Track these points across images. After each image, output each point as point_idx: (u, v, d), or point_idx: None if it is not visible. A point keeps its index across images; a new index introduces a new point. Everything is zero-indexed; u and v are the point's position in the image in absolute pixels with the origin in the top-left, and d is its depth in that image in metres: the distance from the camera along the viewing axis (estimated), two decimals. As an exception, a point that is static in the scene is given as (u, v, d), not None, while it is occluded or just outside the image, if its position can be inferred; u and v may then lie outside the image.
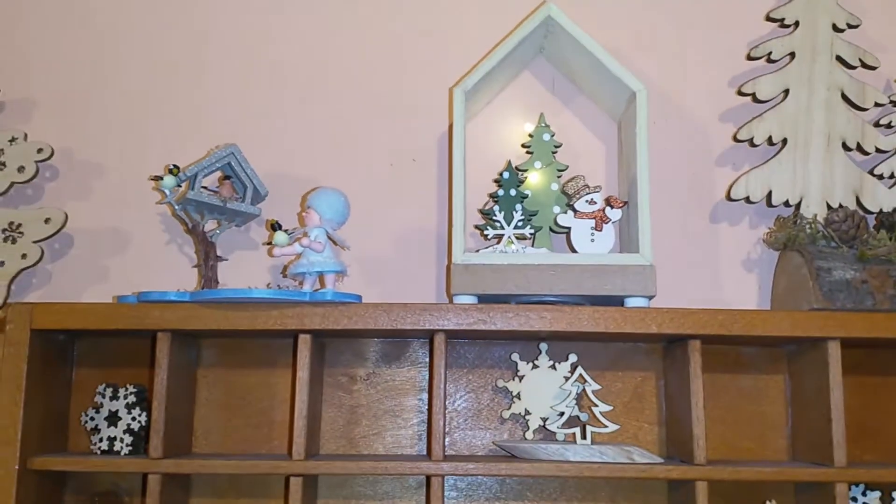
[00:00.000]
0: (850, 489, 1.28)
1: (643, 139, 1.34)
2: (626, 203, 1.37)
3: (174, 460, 1.27)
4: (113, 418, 1.34)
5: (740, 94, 1.50)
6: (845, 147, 1.45)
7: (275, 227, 1.27)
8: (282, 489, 1.39)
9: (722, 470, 1.25)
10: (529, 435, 1.39)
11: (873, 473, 1.26)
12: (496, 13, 1.55)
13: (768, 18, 1.52)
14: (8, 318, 1.28)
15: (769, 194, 1.45)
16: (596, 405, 1.35)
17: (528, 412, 1.39)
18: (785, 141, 1.46)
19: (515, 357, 1.41)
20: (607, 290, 1.29)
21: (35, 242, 1.44)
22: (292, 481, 1.25)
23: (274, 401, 1.43)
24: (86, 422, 1.36)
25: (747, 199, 1.45)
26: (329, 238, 1.30)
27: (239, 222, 1.47)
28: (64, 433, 1.40)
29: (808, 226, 1.38)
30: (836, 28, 1.47)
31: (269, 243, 1.42)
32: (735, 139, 1.48)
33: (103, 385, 1.36)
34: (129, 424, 1.33)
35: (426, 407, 1.43)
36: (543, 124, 1.45)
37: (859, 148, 1.45)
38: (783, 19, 1.49)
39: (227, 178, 1.42)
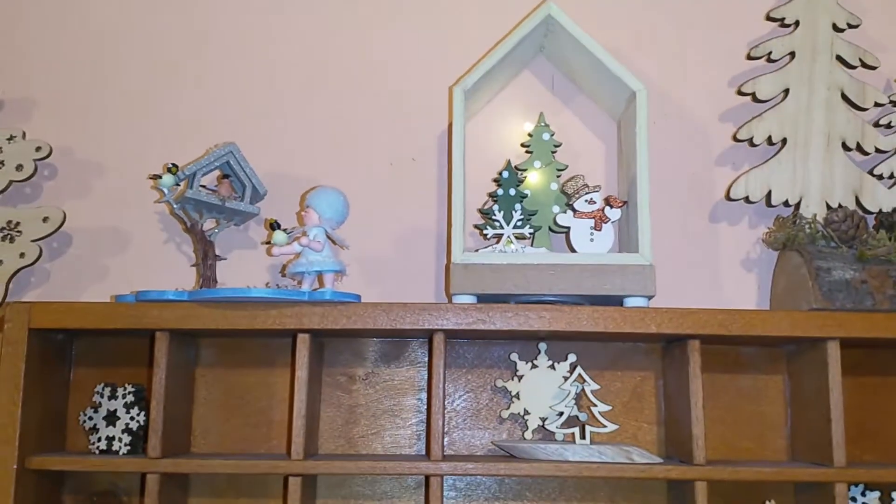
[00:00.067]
0: (849, 489, 1.28)
1: (643, 139, 1.33)
2: (625, 203, 1.36)
3: (172, 460, 1.27)
4: (111, 418, 1.34)
5: (740, 93, 1.50)
6: (845, 147, 1.45)
7: (274, 226, 1.27)
8: (280, 489, 1.39)
9: (721, 470, 1.25)
10: (528, 435, 1.38)
11: (872, 473, 1.26)
12: (496, 12, 1.55)
13: (768, 18, 1.52)
14: (6, 317, 1.28)
15: (769, 194, 1.45)
16: (595, 405, 1.35)
17: (527, 412, 1.39)
18: (784, 141, 1.46)
19: (514, 357, 1.41)
20: (606, 289, 1.29)
21: (33, 241, 1.44)
22: (291, 481, 1.25)
23: (272, 400, 1.43)
24: (84, 421, 1.36)
25: (747, 199, 1.45)
26: (328, 237, 1.29)
27: (238, 221, 1.47)
28: (62, 433, 1.40)
29: (807, 226, 1.38)
30: (836, 28, 1.47)
31: (268, 242, 1.42)
32: (735, 139, 1.48)
33: (102, 384, 1.36)
34: (127, 424, 1.33)
35: (425, 407, 1.43)
36: (543, 124, 1.45)
37: (859, 148, 1.45)
38: (783, 19, 1.49)
39: (225, 176, 1.42)
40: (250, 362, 1.44)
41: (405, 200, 1.52)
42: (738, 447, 1.41)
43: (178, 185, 1.34)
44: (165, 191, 1.32)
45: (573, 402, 1.36)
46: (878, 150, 1.45)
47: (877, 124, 1.46)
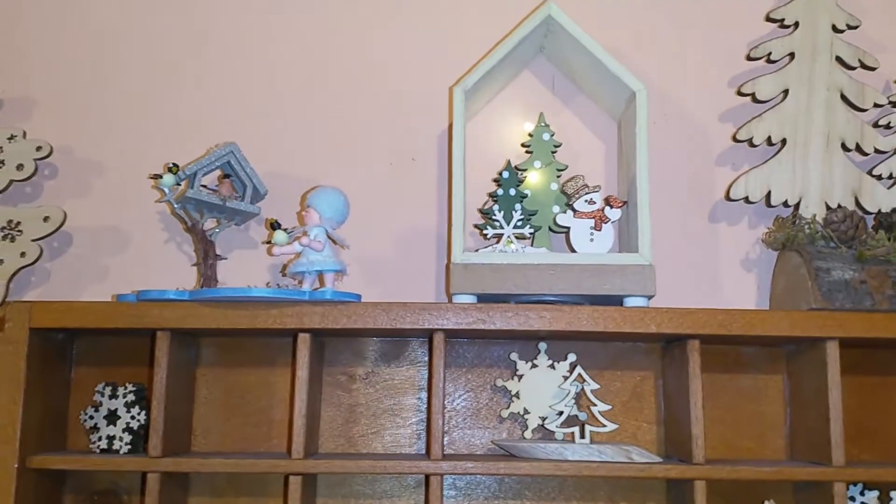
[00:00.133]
0: (848, 488, 1.29)
1: (643, 139, 1.34)
2: (625, 203, 1.37)
3: (173, 459, 1.27)
4: (112, 417, 1.34)
5: (740, 94, 1.50)
6: (844, 147, 1.45)
7: (274, 225, 1.27)
8: (281, 488, 1.39)
9: (720, 469, 1.25)
10: (528, 434, 1.39)
11: (871, 473, 1.26)
12: (496, 12, 1.55)
13: (768, 19, 1.52)
14: (7, 316, 1.28)
15: (768, 194, 1.45)
16: (595, 404, 1.35)
17: (526, 411, 1.39)
18: (784, 141, 1.46)
19: (514, 356, 1.41)
20: (606, 289, 1.29)
21: (34, 241, 1.44)
22: (291, 480, 1.26)
23: (273, 399, 1.43)
24: (85, 420, 1.36)
25: (746, 199, 1.46)
26: (328, 237, 1.30)
27: (238, 221, 1.47)
28: (63, 432, 1.40)
29: (806, 226, 1.38)
30: (835, 29, 1.47)
31: (269, 242, 1.42)
32: (734, 139, 1.48)
33: (102, 384, 1.36)
34: (128, 423, 1.33)
35: (425, 406, 1.43)
36: (543, 124, 1.45)
37: (858, 148, 1.45)
38: (783, 20, 1.49)
39: (226, 176, 1.42)
40: (251, 362, 1.44)
41: (405, 200, 1.52)
42: (738, 447, 1.42)
43: (179, 185, 1.34)
44: (166, 190, 1.32)
45: (573, 401, 1.36)
46: (877, 151, 1.45)
47: (876, 125, 1.46)
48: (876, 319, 1.27)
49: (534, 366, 1.40)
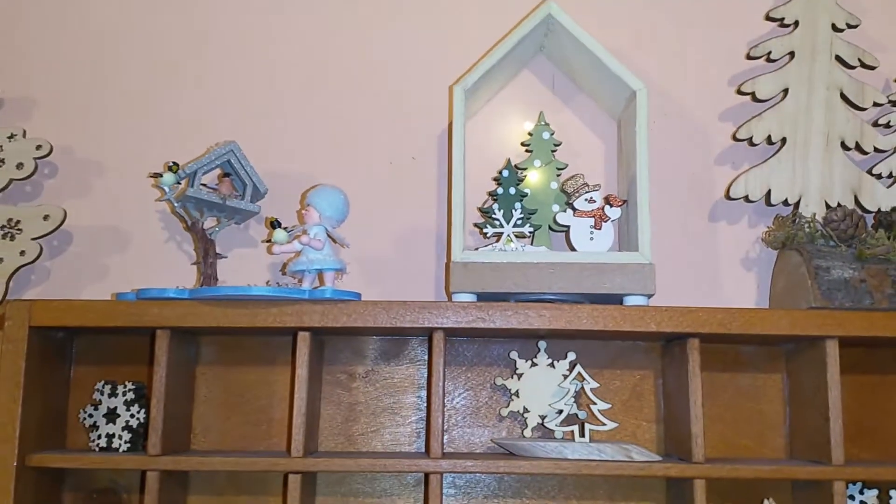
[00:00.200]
0: (847, 487, 1.29)
1: (643, 138, 1.34)
2: (625, 202, 1.37)
3: (173, 457, 1.27)
4: (111, 415, 1.34)
5: (740, 93, 1.51)
6: (844, 146, 1.45)
7: (274, 224, 1.27)
8: (280, 486, 1.39)
9: (720, 468, 1.25)
10: (528, 433, 1.39)
11: (871, 472, 1.26)
12: (496, 11, 1.55)
13: (768, 18, 1.52)
14: (6, 315, 1.28)
15: (768, 193, 1.45)
16: (594, 403, 1.35)
17: (526, 410, 1.39)
18: (784, 140, 1.46)
19: (514, 355, 1.41)
20: (606, 288, 1.29)
21: (34, 239, 1.44)
22: (291, 478, 1.25)
23: (273, 398, 1.43)
24: (84, 419, 1.36)
25: (746, 198, 1.46)
26: (328, 236, 1.30)
27: (238, 220, 1.47)
28: (62, 430, 1.40)
29: (806, 225, 1.38)
30: (835, 28, 1.47)
31: (269, 241, 1.42)
32: (734, 138, 1.49)
33: (102, 382, 1.36)
34: (127, 421, 1.33)
35: (425, 404, 1.43)
36: (543, 123, 1.45)
37: (858, 147, 1.45)
38: (783, 19, 1.49)
39: (226, 175, 1.42)
40: (251, 360, 1.44)
41: (405, 199, 1.52)
42: (737, 445, 1.42)
43: (179, 184, 1.34)
44: (166, 189, 1.32)
45: (573, 400, 1.36)
46: (876, 150, 1.45)
47: (876, 124, 1.47)
48: (875, 318, 1.27)
49: (533, 364, 1.40)
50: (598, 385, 1.38)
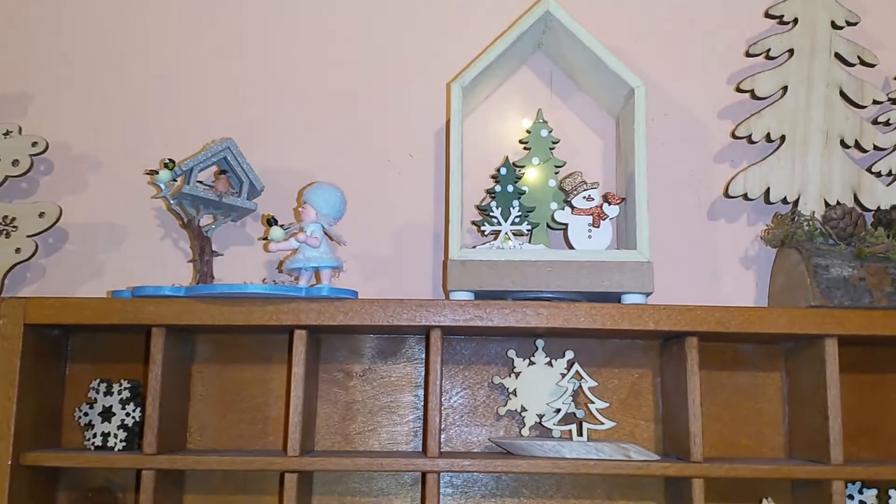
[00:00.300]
0: (846, 486, 1.28)
1: (641, 135, 1.33)
2: (623, 199, 1.36)
3: (168, 456, 1.26)
4: (107, 414, 1.33)
5: (739, 90, 1.50)
6: (843, 144, 1.45)
7: (271, 222, 1.27)
8: (276, 485, 1.38)
9: (718, 467, 1.25)
10: (525, 432, 1.38)
11: (870, 471, 1.26)
12: (495, 8, 1.55)
13: (767, 15, 1.51)
14: (1, 312, 1.27)
15: (767, 191, 1.44)
16: (592, 402, 1.35)
17: (524, 409, 1.39)
18: (783, 138, 1.46)
19: (512, 353, 1.41)
20: (604, 286, 1.29)
21: (29, 237, 1.43)
22: (287, 478, 1.25)
23: (269, 397, 1.42)
24: (79, 417, 1.35)
25: (745, 196, 1.45)
26: (325, 233, 1.29)
27: (235, 217, 1.46)
28: (57, 429, 1.40)
29: (805, 223, 1.38)
30: (834, 25, 1.47)
31: (265, 238, 1.41)
32: (733, 136, 1.48)
33: (97, 380, 1.36)
34: (123, 420, 1.33)
35: (422, 403, 1.42)
36: (541, 120, 1.45)
37: (857, 145, 1.45)
38: (782, 16, 1.49)
39: (223, 172, 1.41)
40: (247, 358, 1.43)
41: (403, 197, 1.51)
42: (736, 444, 1.41)
43: (175, 181, 1.33)
44: (162, 186, 1.32)
45: (570, 398, 1.35)
46: (876, 148, 1.45)
47: (875, 122, 1.46)
48: (875, 317, 1.26)
49: (531, 363, 1.40)
50: (596, 384, 1.37)
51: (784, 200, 1.44)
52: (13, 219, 1.44)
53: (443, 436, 1.41)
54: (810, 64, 1.46)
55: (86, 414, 1.35)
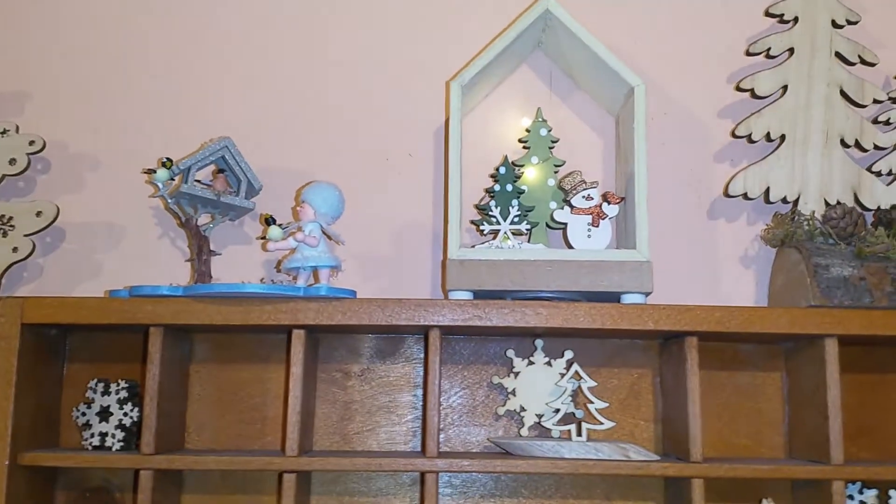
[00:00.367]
0: (846, 487, 1.28)
1: (641, 135, 1.33)
2: (623, 199, 1.36)
3: (166, 456, 1.26)
4: (105, 414, 1.33)
5: (739, 89, 1.50)
6: (844, 144, 1.44)
7: (269, 221, 1.26)
8: (275, 485, 1.38)
9: (718, 467, 1.25)
10: (525, 432, 1.38)
11: (870, 471, 1.26)
12: (494, 7, 1.54)
13: (767, 14, 1.51)
14: (-2, 312, 1.27)
15: (767, 191, 1.44)
16: (592, 402, 1.34)
17: (523, 409, 1.38)
18: (783, 137, 1.45)
19: (511, 353, 1.41)
20: (604, 286, 1.28)
21: (26, 236, 1.43)
22: (285, 478, 1.25)
23: (267, 397, 1.42)
24: (77, 417, 1.35)
25: (745, 196, 1.45)
26: (323, 233, 1.29)
27: (233, 216, 1.46)
28: (55, 428, 1.39)
29: (805, 222, 1.38)
30: (835, 24, 1.46)
31: (263, 238, 1.41)
32: (733, 135, 1.48)
33: (95, 380, 1.36)
34: (120, 420, 1.32)
35: (421, 403, 1.42)
36: (540, 119, 1.44)
37: (858, 145, 1.44)
38: (782, 15, 1.48)
39: (220, 171, 1.41)
40: (245, 358, 1.43)
41: (401, 196, 1.51)
42: (736, 444, 1.41)
43: (173, 180, 1.33)
44: (160, 185, 1.31)
45: (570, 398, 1.35)
46: (876, 147, 1.44)
47: (875, 121, 1.46)
48: (875, 316, 1.26)
49: (530, 363, 1.39)
50: (596, 384, 1.37)
51: (784, 200, 1.44)
52: (10, 218, 1.43)
53: (442, 436, 1.41)
54: (810, 63, 1.46)
55: (83, 414, 1.34)
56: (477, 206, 1.46)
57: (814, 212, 1.40)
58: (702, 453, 1.24)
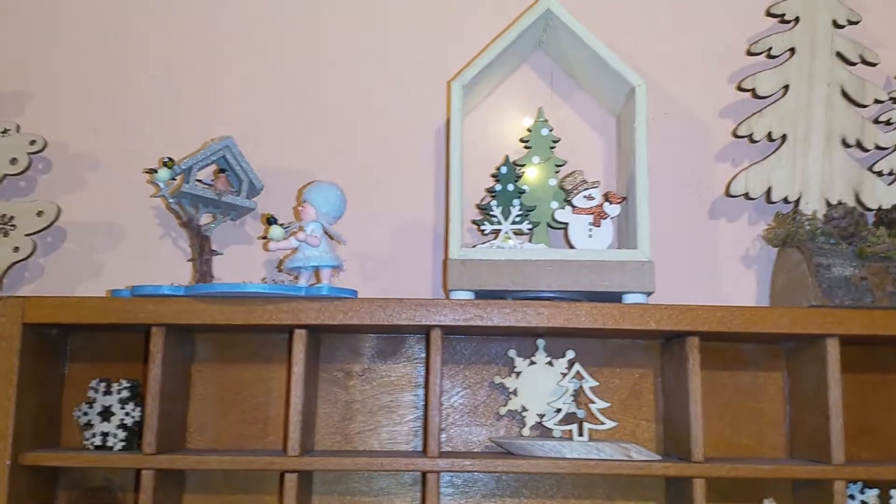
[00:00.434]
0: (847, 487, 1.28)
1: (642, 134, 1.33)
2: (624, 199, 1.36)
3: (168, 456, 1.26)
4: (106, 413, 1.33)
5: (740, 89, 1.50)
6: (845, 144, 1.44)
7: (270, 221, 1.26)
8: (276, 485, 1.38)
9: (720, 467, 1.25)
10: (526, 431, 1.38)
11: (871, 471, 1.26)
12: (495, 6, 1.54)
13: (768, 14, 1.51)
14: (0, 311, 1.27)
15: (768, 190, 1.44)
16: (593, 402, 1.34)
17: (524, 409, 1.38)
18: (784, 137, 1.45)
19: (512, 353, 1.41)
20: (605, 286, 1.28)
21: (27, 235, 1.43)
22: (287, 477, 1.25)
23: (269, 396, 1.42)
24: (79, 417, 1.35)
25: (746, 196, 1.45)
26: (325, 232, 1.29)
27: (234, 216, 1.46)
28: (57, 428, 1.39)
29: (807, 222, 1.38)
30: (836, 24, 1.46)
31: (265, 237, 1.41)
32: (734, 135, 1.48)
33: (96, 380, 1.36)
34: (122, 419, 1.32)
35: (422, 403, 1.42)
36: (542, 119, 1.44)
37: (859, 144, 1.44)
38: (783, 15, 1.48)
39: (222, 171, 1.41)
40: (246, 358, 1.43)
41: (403, 196, 1.51)
42: (737, 444, 1.41)
43: (175, 180, 1.33)
44: (161, 185, 1.31)
45: (571, 398, 1.35)
46: (877, 147, 1.44)
47: (877, 121, 1.46)
48: (876, 316, 1.26)
49: (532, 363, 1.39)
50: (597, 383, 1.37)
51: (785, 200, 1.44)
52: (11, 217, 1.43)
53: (443, 435, 1.41)
54: (811, 63, 1.46)
55: (85, 413, 1.34)
56: (478, 206, 1.45)
57: (815, 211, 1.40)
58: (703, 453, 1.24)
